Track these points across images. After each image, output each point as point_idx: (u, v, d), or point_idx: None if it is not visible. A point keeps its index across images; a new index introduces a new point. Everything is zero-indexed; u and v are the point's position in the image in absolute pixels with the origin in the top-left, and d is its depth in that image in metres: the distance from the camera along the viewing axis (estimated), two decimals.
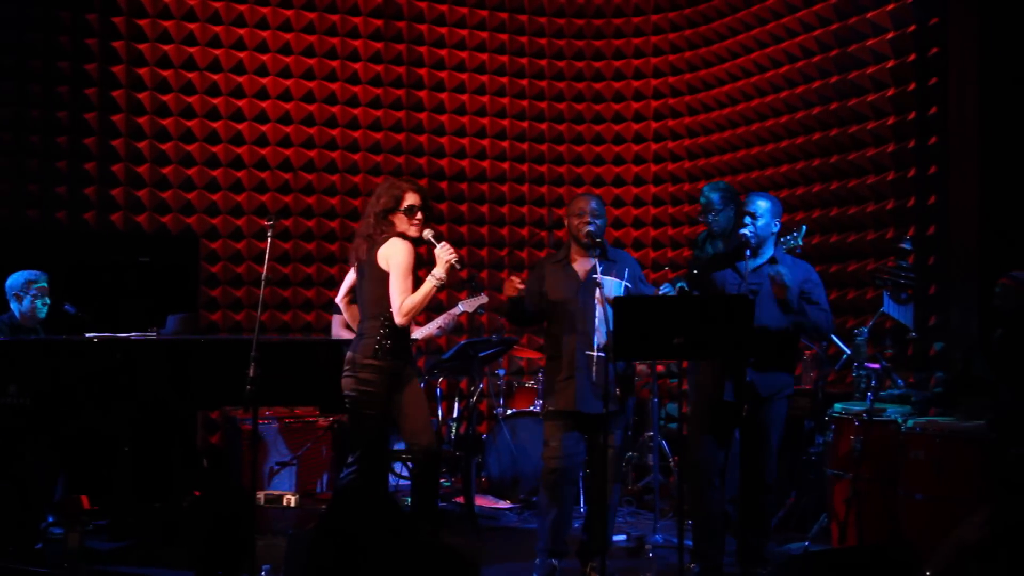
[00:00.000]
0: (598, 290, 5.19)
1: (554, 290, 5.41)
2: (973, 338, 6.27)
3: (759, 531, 5.33)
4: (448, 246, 5.20)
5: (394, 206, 5.23)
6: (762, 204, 5.24)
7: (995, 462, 5.12)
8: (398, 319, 5.13)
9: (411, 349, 5.43)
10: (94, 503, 5.90)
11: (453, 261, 5.15)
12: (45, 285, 6.27)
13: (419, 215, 5.24)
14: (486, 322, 8.62)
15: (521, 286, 5.28)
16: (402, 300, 5.10)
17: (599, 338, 5.22)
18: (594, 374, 5.24)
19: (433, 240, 5.22)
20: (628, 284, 5.34)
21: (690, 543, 5.41)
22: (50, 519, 6.01)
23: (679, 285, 6.55)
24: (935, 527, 5.07)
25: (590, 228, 5.33)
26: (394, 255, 5.16)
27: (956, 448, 5.29)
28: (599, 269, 5.26)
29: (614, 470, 5.41)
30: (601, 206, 5.45)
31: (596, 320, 5.23)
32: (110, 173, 7.84)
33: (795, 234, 5.60)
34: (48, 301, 6.28)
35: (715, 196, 6.32)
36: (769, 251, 5.28)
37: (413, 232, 5.23)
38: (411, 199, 5.23)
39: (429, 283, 5.14)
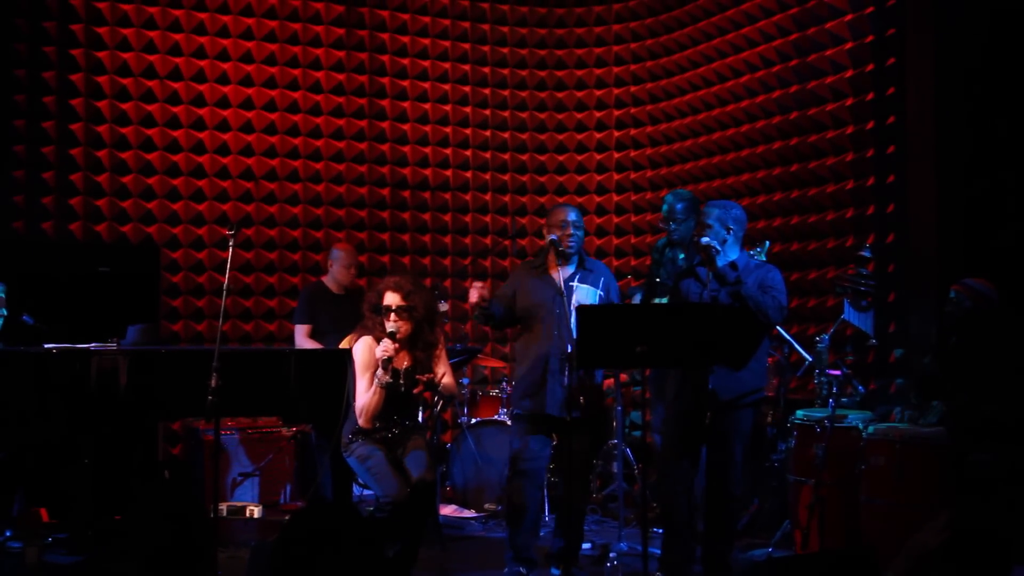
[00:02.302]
0: (573, 298, 5.35)
1: (531, 296, 5.57)
2: (931, 344, 6.34)
3: (724, 539, 5.36)
4: (385, 342, 5.22)
5: (376, 303, 5.36)
6: (715, 212, 5.32)
7: (953, 467, 5.18)
8: (359, 420, 5.28)
9: (402, 419, 5.43)
10: (53, 516, 5.83)
11: (382, 358, 5.19)
12: (2, 296, 6.19)
13: (392, 316, 5.28)
14: (450, 331, 8.61)
15: (484, 292, 5.46)
16: (357, 403, 5.28)
17: (572, 345, 5.32)
18: (566, 379, 5.33)
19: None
20: (602, 293, 5.53)
21: (658, 551, 5.44)
22: (8, 533, 5.92)
23: (638, 295, 6.62)
24: (896, 532, 5.13)
25: (552, 237, 5.53)
26: (354, 355, 5.38)
27: (916, 454, 5.35)
28: (576, 278, 5.50)
29: (581, 477, 5.49)
30: (580, 217, 5.63)
31: (572, 327, 5.33)
32: (68, 182, 7.75)
33: (758, 250, 5.64)
34: (5, 312, 6.20)
35: (679, 206, 6.37)
36: (732, 256, 5.33)
37: (390, 327, 5.28)
38: (388, 299, 5.31)
39: (374, 386, 5.22)
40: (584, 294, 5.46)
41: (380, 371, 5.19)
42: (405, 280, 5.40)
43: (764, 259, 5.66)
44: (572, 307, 5.35)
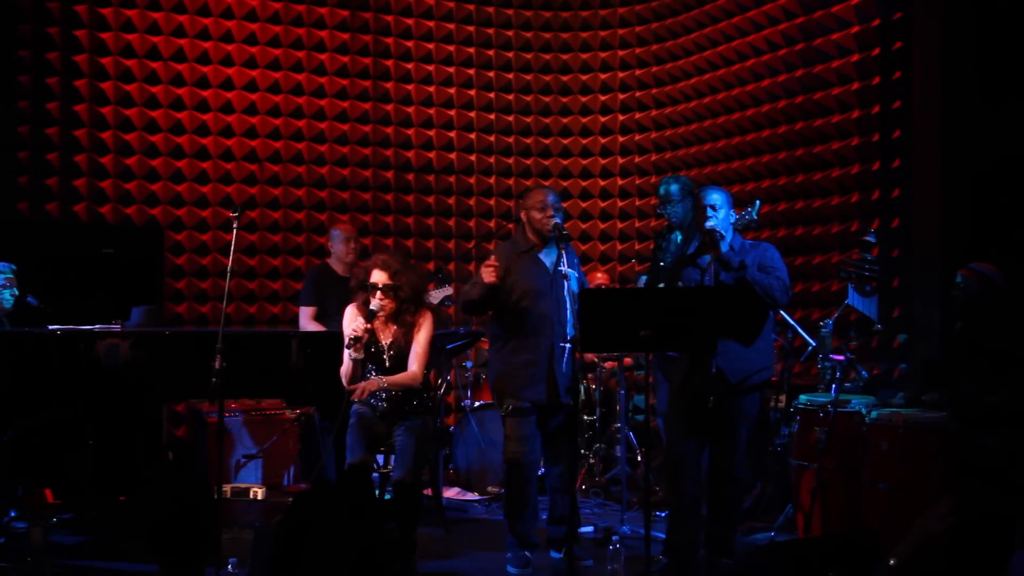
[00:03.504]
0: (566, 283, 5.29)
1: (525, 282, 5.46)
2: (935, 330, 6.34)
3: (727, 523, 5.36)
4: (359, 322, 5.33)
5: (363, 279, 5.44)
6: (718, 197, 5.27)
7: (956, 452, 5.18)
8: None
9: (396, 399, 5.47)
10: (58, 497, 5.84)
11: (351, 336, 5.30)
12: (12, 276, 6.20)
13: (378, 294, 5.35)
14: (453, 314, 8.60)
15: (499, 273, 5.34)
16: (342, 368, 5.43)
17: (569, 331, 5.32)
18: (564, 365, 5.32)
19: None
20: (580, 275, 5.53)
21: (661, 535, 5.45)
22: (13, 513, 5.95)
23: (643, 279, 6.60)
24: (898, 516, 5.13)
25: (557, 220, 5.42)
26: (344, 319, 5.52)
27: (918, 438, 5.35)
28: (564, 261, 5.40)
29: (575, 457, 5.50)
30: (558, 199, 5.56)
31: (567, 312, 5.31)
32: (73, 164, 7.74)
33: (749, 209, 5.51)
34: (16, 292, 6.21)
35: (674, 188, 6.35)
36: (728, 239, 5.31)
37: (376, 310, 5.37)
38: (375, 276, 5.39)
39: (345, 358, 5.39)
40: (572, 279, 5.43)
41: (351, 349, 5.30)
42: (393, 259, 5.47)
43: (755, 218, 5.53)
44: (566, 293, 5.34)
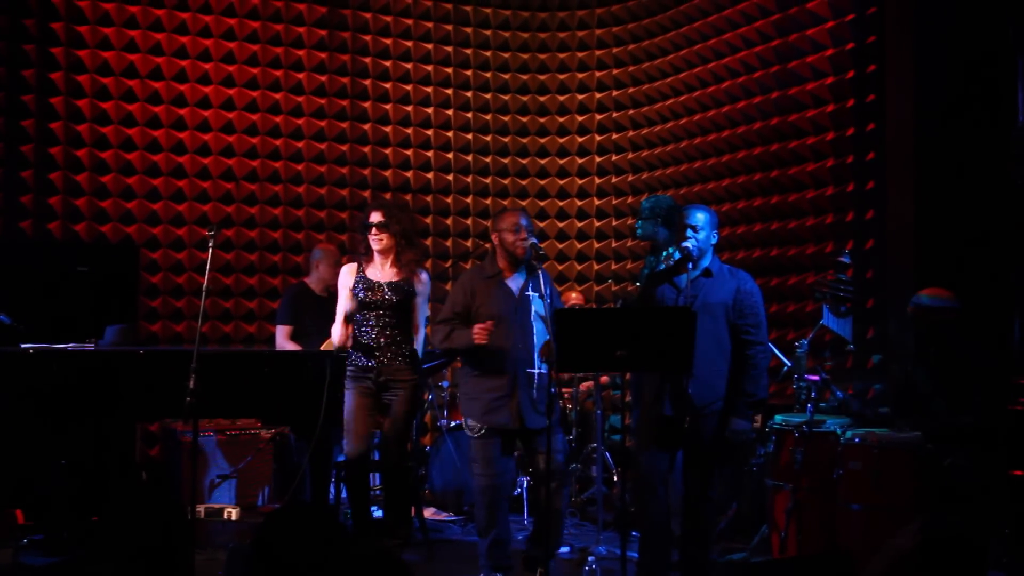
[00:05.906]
0: (533, 307, 5.28)
1: (490, 307, 5.43)
2: (909, 351, 6.37)
3: (701, 542, 5.36)
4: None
5: (364, 221, 5.77)
6: (701, 217, 5.29)
7: (930, 472, 5.21)
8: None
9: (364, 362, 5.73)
10: (29, 518, 5.78)
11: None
12: None
13: (373, 230, 5.68)
14: (429, 334, 8.58)
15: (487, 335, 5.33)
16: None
17: (537, 354, 5.30)
18: (535, 391, 5.30)
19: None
20: (549, 301, 5.39)
21: (636, 555, 5.44)
22: None
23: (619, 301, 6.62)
24: (873, 536, 5.15)
25: (533, 240, 5.40)
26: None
27: (892, 459, 5.37)
28: (531, 286, 5.40)
29: (561, 475, 5.45)
30: (531, 222, 5.57)
31: (535, 336, 5.29)
32: (48, 181, 7.70)
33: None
34: None
35: (643, 204, 6.37)
36: (706, 262, 5.33)
37: (374, 247, 5.72)
38: (372, 217, 5.72)
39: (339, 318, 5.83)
40: (537, 304, 5.36)
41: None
42: (388, 203, 6.13)
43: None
44: (533, 318, 5.33)
